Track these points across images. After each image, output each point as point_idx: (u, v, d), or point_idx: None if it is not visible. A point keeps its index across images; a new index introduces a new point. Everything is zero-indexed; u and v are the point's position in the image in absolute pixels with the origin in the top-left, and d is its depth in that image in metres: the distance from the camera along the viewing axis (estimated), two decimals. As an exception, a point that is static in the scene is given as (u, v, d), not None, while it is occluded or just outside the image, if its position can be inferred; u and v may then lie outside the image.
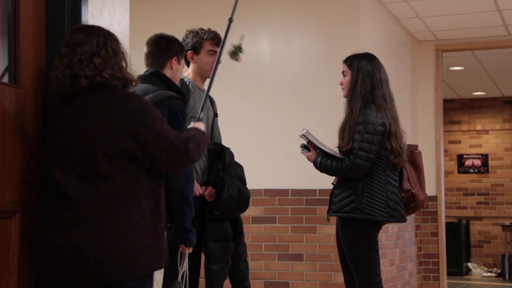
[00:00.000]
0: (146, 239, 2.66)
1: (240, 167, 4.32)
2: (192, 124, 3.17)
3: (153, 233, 2.69)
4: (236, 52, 4.11)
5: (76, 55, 2.71)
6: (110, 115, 2.64)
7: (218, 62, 3.77)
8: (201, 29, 4.38)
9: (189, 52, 4.33)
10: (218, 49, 3.80)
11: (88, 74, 2.69)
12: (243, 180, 4.30)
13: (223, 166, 4.19)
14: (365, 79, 4.40)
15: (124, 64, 2.78)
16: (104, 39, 2.74)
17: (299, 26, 6.77)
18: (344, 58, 4.57)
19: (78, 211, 2.62)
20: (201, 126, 3.12)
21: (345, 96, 4.51)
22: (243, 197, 4.20)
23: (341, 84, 4.52)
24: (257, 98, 6.81)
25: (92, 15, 3.16)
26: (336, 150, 4.43)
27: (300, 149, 4.55)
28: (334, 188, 4.48)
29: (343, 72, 4.52)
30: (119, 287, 2.61)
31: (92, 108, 2.66)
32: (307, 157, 4.50)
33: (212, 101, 4.44)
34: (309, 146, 4.46)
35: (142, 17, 6.92)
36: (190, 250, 3.70)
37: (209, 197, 4.12)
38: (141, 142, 2.64)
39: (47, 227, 2.68)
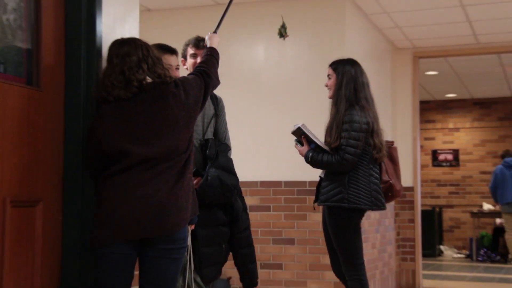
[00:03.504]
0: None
1: (228, 159, 4.21)
2: (206, 39, 3.61)
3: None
4: (282, 32, 4.30)
5: (126, 64, 2.91)
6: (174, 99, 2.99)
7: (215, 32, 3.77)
8: (188, 40, 4.38)
9: (181, 60, 4.35)
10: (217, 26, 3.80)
11: (139, 77, 2.91)
12: (229, 170, 4.15)
13: (207, 159, 4.12)
14: (349, 82, 4.40)
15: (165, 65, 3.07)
16: (146, 49, 2.98)
17: (291, 35, 6.71)
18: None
19: (157, 171, 2.87)
20: (214, 41, 3.56)
21: (330, 97, 4.50)
22: (225, 186, 4.06)
23: (327, 86, 4.52)
24: (253, 100, 6.80)
25: (105, 26, 3.16)
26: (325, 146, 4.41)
27: (294, 143, 4.52)
28: (321, 180, 4.47)
29: (328, 75, 4.52)
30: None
31: (160, 97, 2.94)
32: (299, 151, 4.46)
33: (216, 100, 4.39)
34: (303, 140, 4.43)
35: (151, 28, 6.90)
36: (192, 227, 3.72)
37: (197, 187, 4.06)
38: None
39: (121, 190, 2.84)
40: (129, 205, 2.82)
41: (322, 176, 4.46)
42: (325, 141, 4.42)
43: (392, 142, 4.72)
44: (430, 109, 13.24)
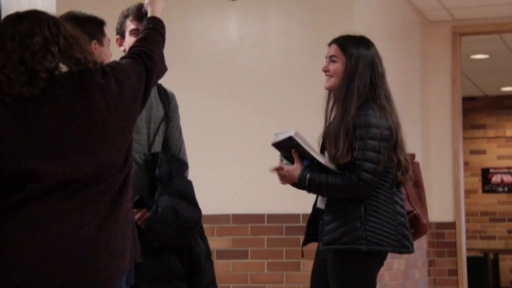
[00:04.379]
0: None
1: (185, 182, 4.22)
2: (146, 4, 3.60)
3: None
4: None
5: (27, 48, 2.88)
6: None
7: None
8: (128, 8, 4.41)
9: (116, 38, 4.37)
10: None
11: (48, 66, 2.88)
12: (188, 198, 4.17)
13: (156, 182, 4.13)
14: (365, 71, 4.41)
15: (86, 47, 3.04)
16: (55, 24, 2.94)
17: (276, 4, 6.82)
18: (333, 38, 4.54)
19: (81, 199, 2.88)
20: (157, 7, 3.56)
21: (329, 89, 4.49)
22: (182, 221, 4.05)
23: (326, 71, 4.50)
24: (222, 97, 6.84)
25: (7, -11, 3.19)
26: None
27: (279, 160, 4.50)
28: (317, 213, 4.46)
29: (331, 56, 4.50)
30: None
31: (81, 92, 2.92)
32: (288, 171, 4.42)
33: (166, 97, 4.41)
34: (294, 156, 4.41)
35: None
36: None
37: (142, 222, 4.08)
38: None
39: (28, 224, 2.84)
40: (38, 251, 2.81)
41: (321, 207, 4.46)
42: (328, 155, 4.41)
43: (412, 156, 4.76)
44: (479, 110, 13.31)
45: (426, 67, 8.66)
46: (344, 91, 4.40)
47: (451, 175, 8.58)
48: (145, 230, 4.01)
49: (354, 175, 4.26)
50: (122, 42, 4.41)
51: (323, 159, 4.34)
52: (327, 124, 4.54)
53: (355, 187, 4.26)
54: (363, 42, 4.52)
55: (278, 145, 4.45)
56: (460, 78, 8.75)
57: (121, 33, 4.40)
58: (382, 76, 4.46)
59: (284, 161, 4.45)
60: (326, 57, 4.54)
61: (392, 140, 4.37)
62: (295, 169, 4.40)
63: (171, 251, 4.18)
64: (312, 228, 4.51)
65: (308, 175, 4.34)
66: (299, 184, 4.39)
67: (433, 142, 8.59)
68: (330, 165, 4.33)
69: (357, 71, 4.40)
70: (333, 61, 4.48)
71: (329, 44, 4.56)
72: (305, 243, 4.55)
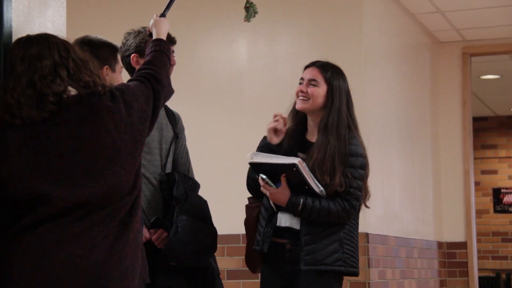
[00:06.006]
0: None
1: (201, 202, 4.25)
2: (151, 25, 3.65)
3: None
4: (250, 10, 4.22)
5: (36, 71, 2.92)
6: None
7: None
8: (143, 27, 4.40)
9: (133, 55, 4.33)
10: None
11: (56, 90, 2.92)
12: (204, 218, 4.21)
13: (173, 200, 4.11)
14: (345, 102, 4.48)
15: (95, 70, 3.08)
16: (65, 48, 2.98)
17: (285, 25, 6.83)
18: (315, 61, 4.57)
19: (91, 222, 2.92)
20: (162, 29, 3.58)
21: (303, 110, 4.50)
22: (200, 241, 4.10)
23: (303, 92, 4.48)
24: (231, 119, 6.84)
25: (17, 12, 3.20)
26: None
27: (261, 182, 4.36)
28: (287, 232, 4.43)
29: (311, 79, 4.49)
30: None
31: (90, 115, 2.97)
32: (273, 194, 4.36)
33: (174, 118, 4.43)
34: (283, 180, 4.33)
35: (81, 13, 6.96)
36: None
37: (159, 242, 4.09)
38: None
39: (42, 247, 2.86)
40: (49, 272, 2.83)
41: (290, 226, 4.40)
42: (324, 182, 4.40)
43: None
44: (489, 130, 13.29)
45: (436, 88, 8.66)
46: (336, 119, 4.44)
47: (462, 195, 8.56)
48: (165, 250, 4.03)
49: (347, 202, 4.36)
50: (139, 60, 4.33)
51: (318, 189, 4.33)
52: (288, 141, 4.58)
53: (346, 214, 4.36)
54: (341, 73, 4.56)
55: (258, 165, 4.42)
56: (470, 98, 8.74)
57: (141, 51, 4.29)
58: (353, 107, 4.55)
59: (269, 184, 4.36)
60: (302, 78, 4.54)
61: (368, 169, 4.51)
62: (282, 193, 4.37)
63: (185, 270, 4.19)
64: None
65: (300, 200, 4.33)
66: (290, 207, 4.35)
67: (443, 162, 8.57)
68: (321, 192, 4.35)
69: (342, 101, 4.47)
70: (313, 85, 4.49)
71: (307, 67, 4.57)
72: (264, 251, 4.46)
